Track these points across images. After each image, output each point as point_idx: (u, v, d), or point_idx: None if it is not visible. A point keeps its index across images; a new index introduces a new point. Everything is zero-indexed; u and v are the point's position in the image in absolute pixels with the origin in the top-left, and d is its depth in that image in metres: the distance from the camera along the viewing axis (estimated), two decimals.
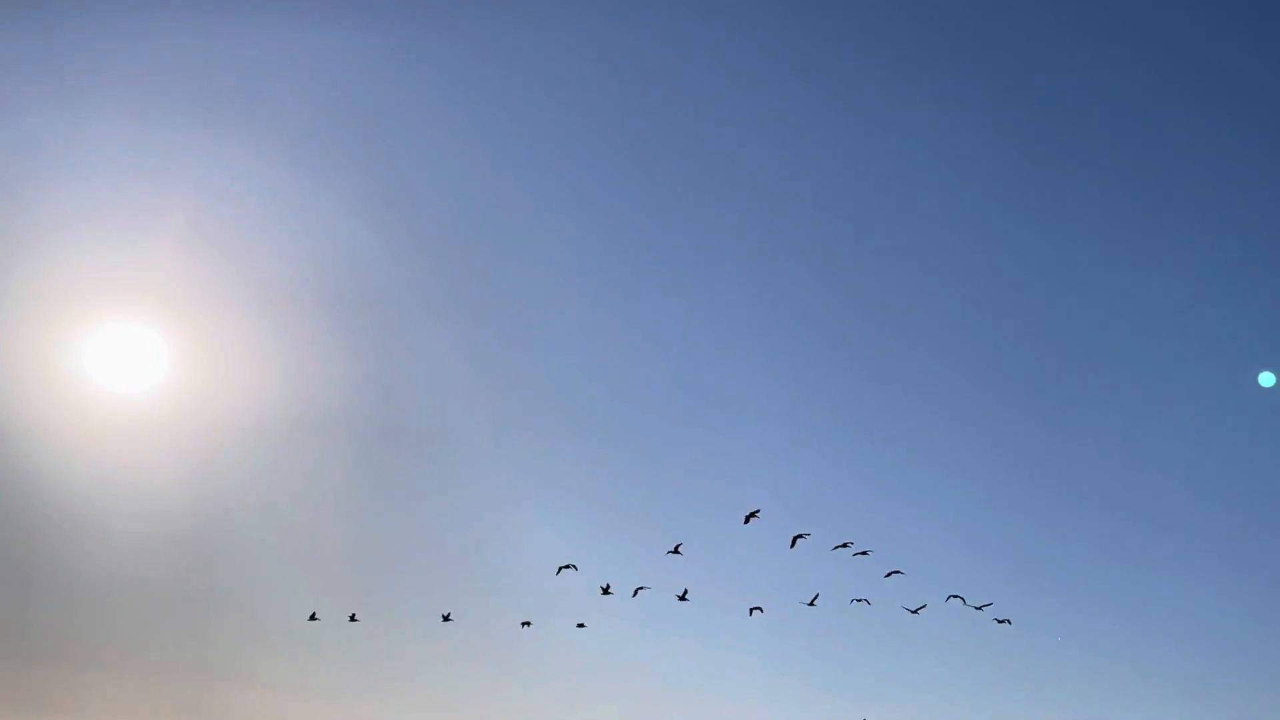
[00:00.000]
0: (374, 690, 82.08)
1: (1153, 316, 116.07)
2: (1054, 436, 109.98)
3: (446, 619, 57.92)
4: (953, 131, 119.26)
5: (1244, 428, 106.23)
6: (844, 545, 53.16)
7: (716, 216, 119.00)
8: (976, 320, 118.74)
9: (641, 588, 54.69)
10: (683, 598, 54.77)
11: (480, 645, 80.00)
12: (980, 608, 55.92)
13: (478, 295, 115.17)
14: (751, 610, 56.64)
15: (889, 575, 54.34)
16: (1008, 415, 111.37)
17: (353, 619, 59.95)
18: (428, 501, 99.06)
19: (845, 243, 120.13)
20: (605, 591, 53.26)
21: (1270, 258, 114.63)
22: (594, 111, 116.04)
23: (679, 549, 53.11)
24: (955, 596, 55.96)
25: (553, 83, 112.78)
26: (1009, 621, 55.47)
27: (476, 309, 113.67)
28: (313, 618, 60.56)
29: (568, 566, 54.01)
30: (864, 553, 53.36)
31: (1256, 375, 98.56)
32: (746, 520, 51.26)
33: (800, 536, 50.71)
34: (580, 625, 58.59)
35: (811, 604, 55.71)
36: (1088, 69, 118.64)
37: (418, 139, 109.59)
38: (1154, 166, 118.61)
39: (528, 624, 58.65)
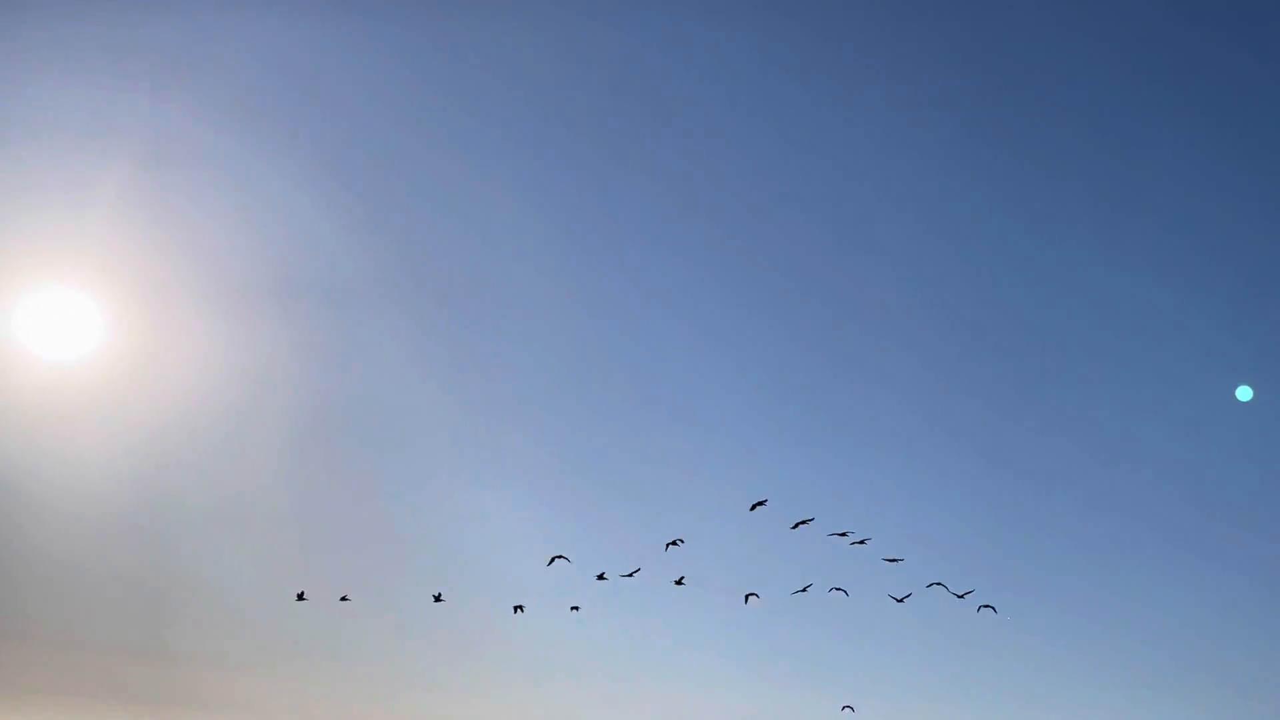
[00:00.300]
0: (325, 669, 79.87)
1: (1129, 314, 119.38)
2: (1036, 431, 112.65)
3: (438, 599, 56.92)
4: (933, 130, 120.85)
5: (1220, 428, 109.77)
6: (842, 534, 52.86)
7: (685, 203, 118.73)
8: (954, 314, 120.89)
9: (634, 571, 54.19)
10: (679, 582, 54.74)
11: (444, 629, 78.45)
12: (962, 595, 55.68)
13: (437, 272, 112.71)
14: (747, 596, 56.17)
15: (891, 561, 53.83)
16: (988, 411, 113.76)
17: (344, 600, 57.93)
18: (378, 480, 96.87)
19: (818, 233, 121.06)
20: (600, 578, 53.31)
21: (1248, 265, 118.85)
22: (560, 96, 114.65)
23: (678, 542, 52.99)
24: (937, 584, 55.63)
25: (516, 69, 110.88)
26: (993, 608, 55.20)
27: (433, 285, 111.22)
28: (300, 597, 57.91)
29: (560, 557, 53.87)
30: (861, 541, 53.10)
31: (1233, 375, 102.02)
32: (752, 508, 51.43)
33: (803, 522, 50.91)
34: (575, 608, 56.57)
35: (804, 591, 55.51)
36: (1067, 68, 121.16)
37: (371, 111, 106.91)
38: (1131, 166, 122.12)
39: (520, 608, 57.13)
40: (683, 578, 54.62)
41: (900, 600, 55.46)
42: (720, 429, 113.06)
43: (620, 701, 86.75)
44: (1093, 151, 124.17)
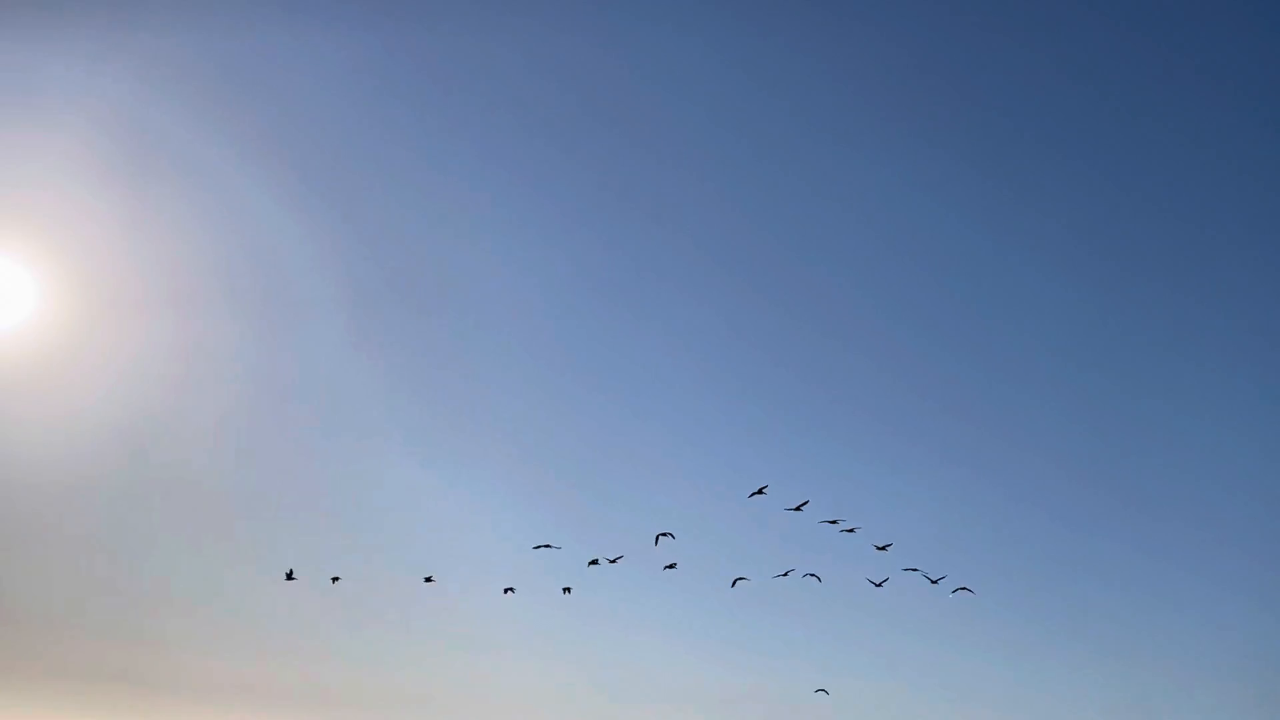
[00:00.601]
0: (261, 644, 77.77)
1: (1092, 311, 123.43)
2: (1019, 427, 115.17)
3: (429, 580, 57.28)
4: (910, 138, 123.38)
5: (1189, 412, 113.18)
6: (833, 522, 53.65)
7: (657, 183, 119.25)
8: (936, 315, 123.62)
9: (614, 559, 55.11)
10: (670, 567, 55.59)
11: (373, 602, 77.35)
12: (935, 580, 56.30)
13: (367, 238, 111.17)
14: (735, 581, 57.31)
15: (881, 549, 54.53)
16: (972, 407, 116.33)
17: (335, 580, 57.92)
18: (314, 451, 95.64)
19: (787, 234, 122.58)
20: (592, 563, 54.56)
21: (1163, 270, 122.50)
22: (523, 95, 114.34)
23: (669, 535, 53.82)
24: (912, 569, 56.24)
25: (470, 67, 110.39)
26: (969, 589, 55.87)
27: (363, 251, 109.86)
28: (289, 576, 56.26)
29: (546, 545, 55.01)
30: (851, 530, 53.86)
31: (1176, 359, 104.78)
32: (751, 495, 52.43)
33: (801, 505, 51.62)
34: (566, 589, 57.82)
35: (785, 576, 56.38)
36: (1032, 87, 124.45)
37: (319, 99, 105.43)
38: (1087, 173, 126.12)
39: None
40: (674, 564, 55.49)
41: (878, 585, 56.11)
42: (708, 418, 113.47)
43: (601, 685, 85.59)
44: (1063, 161, 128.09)
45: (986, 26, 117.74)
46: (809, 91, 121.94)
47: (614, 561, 54.44)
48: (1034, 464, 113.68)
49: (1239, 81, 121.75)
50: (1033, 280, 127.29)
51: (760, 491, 52.31)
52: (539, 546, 55.62)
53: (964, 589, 55.49)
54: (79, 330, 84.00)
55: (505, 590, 57.25)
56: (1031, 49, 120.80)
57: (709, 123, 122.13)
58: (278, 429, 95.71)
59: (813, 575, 56.83)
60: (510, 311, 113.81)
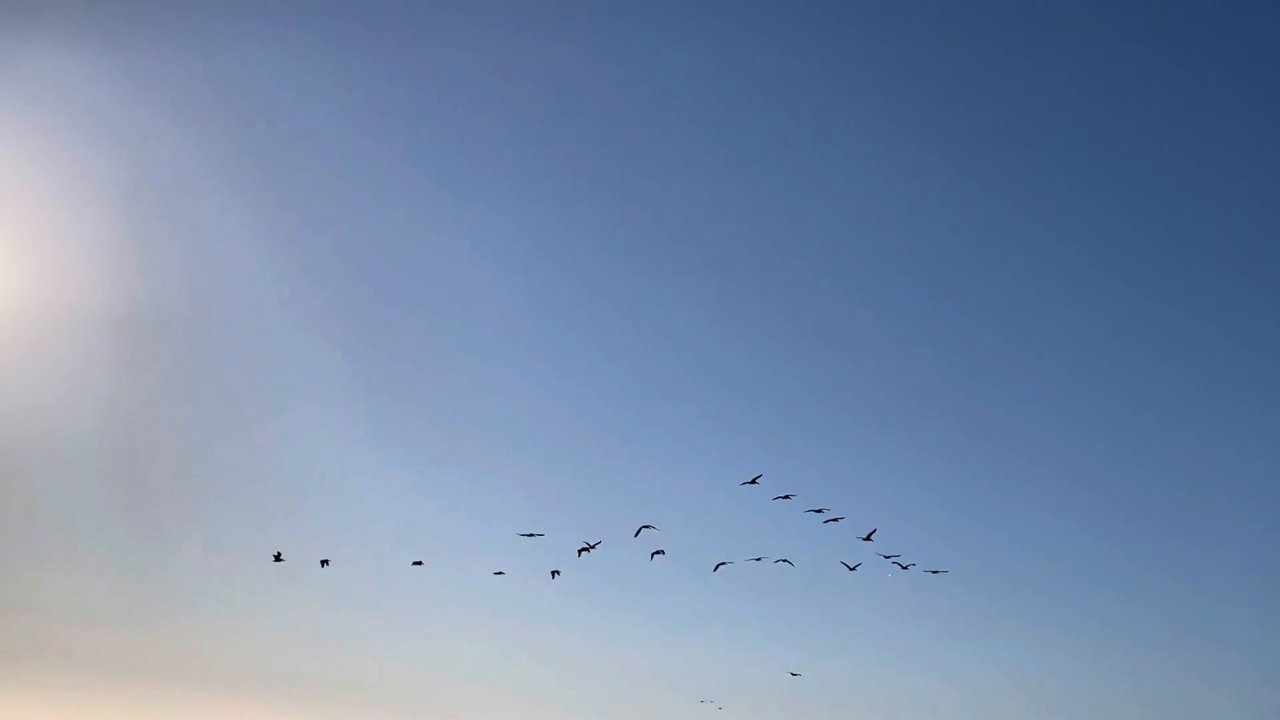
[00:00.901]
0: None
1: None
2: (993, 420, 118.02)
3: (417, 564, 58.43)
4: (910, 135, 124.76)
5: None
6: (817, 511, 54.29)
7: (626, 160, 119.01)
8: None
9: (593, 545, 55.02)
10: (658, 553, 55.70)
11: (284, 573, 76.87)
12: (906, 567, 57.78)
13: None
14: (717, 565, 57.75)
15: (867, 539, 54.90)
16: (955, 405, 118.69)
17: (324, 564, 57.77)
18: (237, 411, 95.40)
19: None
20: (584, 550, 54.27)
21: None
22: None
23: (649, 527, 54.09)
24: (888, 557, 57.41)
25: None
26: (942, 571, 57.40)
27: (334, 246, 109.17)
28: (277, 558, 55.95)
29: (533, 534, 55.23)
30: (836, 519, 54.51)
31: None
32: (743, 484, 52.68)
33: (784, 497, 52.55)
34: (555, 572, 56.96)
35: (757, 561, 57.26)
36: (1025, 89, 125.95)
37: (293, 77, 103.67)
38: (1084, 176, 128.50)
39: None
40: (661, 550, 55.62)
41: (852, 568, 57.05)
42: (690, 407, 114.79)
43: (580, 669, 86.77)
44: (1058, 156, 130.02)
45: (989, 29, 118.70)
46: (801, 94, 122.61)
47: (593, 547, 54.50)
48: (1013, 457, 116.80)
49: (1238, 81, 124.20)
50: (1022, 277, 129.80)
51: (754, 481, 52.98)
52: (525, 535, 56.11)
53: (937, 571, 57.60)
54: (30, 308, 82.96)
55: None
56: (1037, 51, 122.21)
57: (675, 111, 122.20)
58: (242, 414, 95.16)
59: (785, 561, 57.94)
60: (482, 301, 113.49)
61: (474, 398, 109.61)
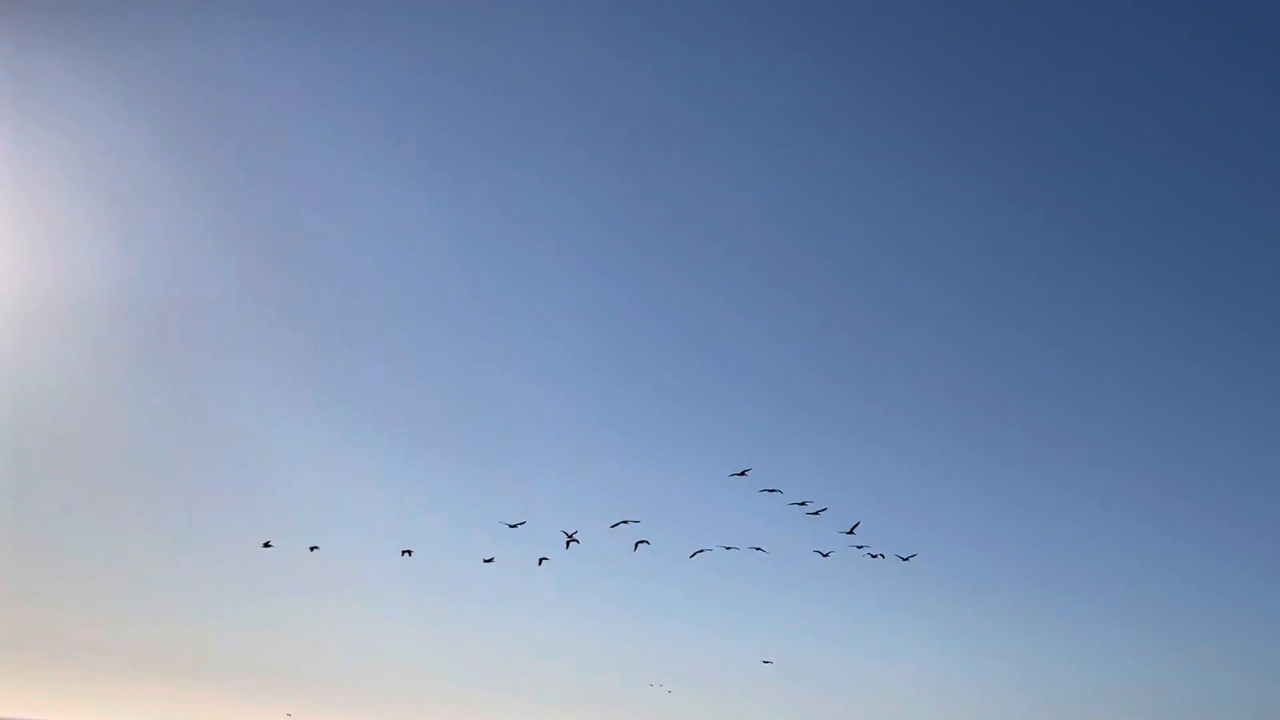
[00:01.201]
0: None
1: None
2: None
3: (408, 553, 60.13)
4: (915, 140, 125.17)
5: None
6: (801, 504, 55.01)
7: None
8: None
9: (573, 535, 55.45)
10: (642, 542, 56.60)
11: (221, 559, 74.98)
12: (875, 556, 58.72)
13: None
14: (693, 553, 58.84)
15: (851, 530, 55.71)
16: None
17: (313, 549, 59.00)
18: (220, 404, 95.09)
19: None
20: (571, 539, 54.65)
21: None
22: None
23: (627, 521, 54.81)
24: (859, 546, 58.28)
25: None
26: (914, 556, 58.33)
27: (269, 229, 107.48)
28: (266, 545, 58.32)
29: (519, 524, 55.34)
30: (818, 511, 55.29)
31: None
32: (732, 476, 53.67)
33: (771, 490, 53.38)
34: (543, 559, 57.44)
35: (730, 549, 58.60)
36: (1037, 94, 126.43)
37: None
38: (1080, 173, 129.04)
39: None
40: (645, 540, 56.65)
41: (825, 555, 58.04)
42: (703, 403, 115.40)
43: (553, 656, 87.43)
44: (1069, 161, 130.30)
45: (1007, 34, 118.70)
46: (815, 90, 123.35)
47: (573, 536, 54.99)
48: (990, 454, 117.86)
49: (1239, 82, 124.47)
50: (1008, 274, 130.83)
51: (743, 473, 53.96)
52: (512, 525, 56.24)
53: (911, 557, 58.03)
54: None
55: (485, 561, 60.01)
56: (1044, 53, 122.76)
57: (642, 108, 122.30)
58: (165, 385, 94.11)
59: (758, 549, 59.29)
60: (467, 296, 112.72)
61: (461, 390, 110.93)
